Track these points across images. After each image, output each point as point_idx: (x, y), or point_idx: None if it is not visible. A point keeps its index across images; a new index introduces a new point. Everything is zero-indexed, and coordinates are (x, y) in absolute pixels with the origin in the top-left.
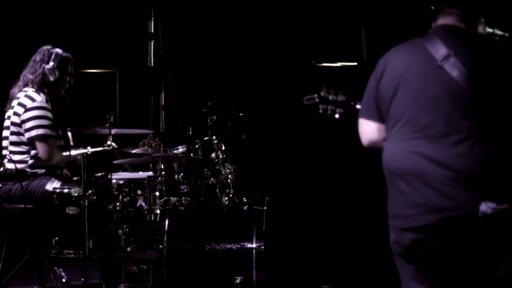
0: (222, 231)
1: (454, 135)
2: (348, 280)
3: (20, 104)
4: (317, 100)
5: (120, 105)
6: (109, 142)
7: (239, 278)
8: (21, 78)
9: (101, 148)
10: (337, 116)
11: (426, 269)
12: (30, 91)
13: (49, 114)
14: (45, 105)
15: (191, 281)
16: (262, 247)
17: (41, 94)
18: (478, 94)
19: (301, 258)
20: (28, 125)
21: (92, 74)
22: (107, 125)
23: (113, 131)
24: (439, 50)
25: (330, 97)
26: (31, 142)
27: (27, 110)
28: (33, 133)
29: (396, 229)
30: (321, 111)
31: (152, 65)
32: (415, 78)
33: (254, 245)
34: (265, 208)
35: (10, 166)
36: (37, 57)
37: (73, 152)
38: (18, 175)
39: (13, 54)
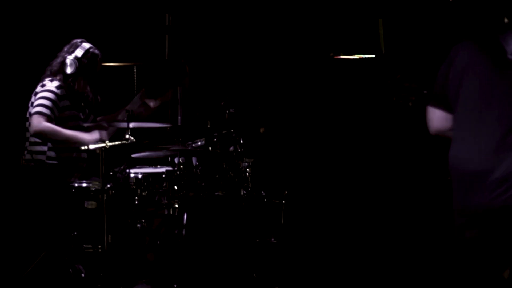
0: (240, 225)
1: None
2: (366, 276)
3: (34, 93)
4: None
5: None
6: (127, 136)
7: (257, 271)
8: (48, 67)
9: (119, 142)
10: (410, 104)
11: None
12: (46, 80)
13: (55, 98)
14: (54, 89)
15: (209, 275)
16: (280, 240)
17: (54, 81)
18: None
19: (319, 252)
20: (34, 103)
21: (109, 67)
22: (125, 119)
23: (131, 125)
24: (511, 44)
25: (406, 84)
26: (31, 117)
27: (36, 94)
28: (33, 109)
29: (458, 210)
30: (395, 98)
31: (169, 58)
32: (484, 71)
33: (272, 239)
34: (284, 201)
35: (28, 157)
36: (65, 47)
37: (81, 136)
38: (35, 169)
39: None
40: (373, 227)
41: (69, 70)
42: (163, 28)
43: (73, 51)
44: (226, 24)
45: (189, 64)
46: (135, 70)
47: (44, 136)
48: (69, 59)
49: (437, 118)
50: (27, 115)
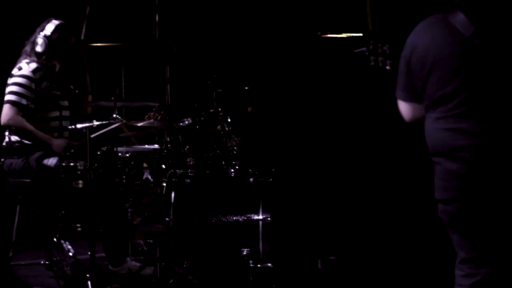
0: (228, 203)
1: (488, 110)
2: (355, 251)
3: (10, 75)
4: (366, 53)
5: (125, 78)
6: (114, 116)
7: (245, 250)
8: (22, 51)
9: (106, 122)
10: (388, 67)
11: (473, 238)
12: (23, 61)
13: (30, 84)
14: (29, 74)
15: (197, 254)
16: (269, 218)
17: (31, 64)
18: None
19: (307, 229)
20: (7, 90)
21: (97, 47)
22: (113, 98)
23: (118, 105)
24: (466, 26)
25: (379, 50)
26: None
27: (11, 77)
28: (6, 97)
29: (441, 199)
30: (372, 63)
31: (157, 37)
32: (445, 58)
33: (260, 217)
34: (271, 179)
35: (13, 138)
36: (37, 29)
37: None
38: (19, 150)
39: (18, 28)
40: (362, 201)
41: (39, 48)
42: (152, 8)
43: (42, 30)
44: (214, 4)
45: (177, 44)
46: (122, 51)
47: (12, 128)
48: (39, 37)
49: (408, 109)
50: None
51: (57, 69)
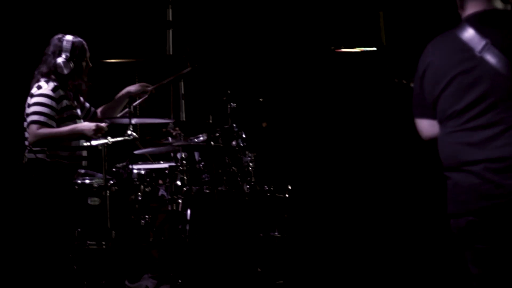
0: (244, 219)
1: (499, 125)
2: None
3: (30, 94)
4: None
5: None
6: (129, 132)
7: (261, 266)
8: (36, 72)
9: (121, 138)
10: (412, 85)
11: (485, 253)
12: (42, 81)
13: (51, 102)
14: (49, 93)
15: (214, 269)
16: (284, 235)
17: (50, 83)
18: None
19: (323, 245)
20: (29, 111)
21: (111, 64)
22: (127, 115)
23: (133, 121)
24: (476, 41)
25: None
26: (27, 127)
27: (32, 97)
28: (29, 118)
29: (452, 214)
30: (396, 80)
31: (171, 53)
32: (457, 75)
33: (276, 233)
34: (287, 195)
35: (30, 156)
36: (50, 49)
37: (79, 127)
38: (37, 167)
39: (30, 45)
40: (376, 221)
41: (65, 71)
42: (165, 23)
43: (60, 51)
44: (228, 18)
45: (191, 59)
46: (136, 66)
47: (42, 142)
48: (62, 61)
49: (424, 126)
50: (25, 115)
51: (83, 87)
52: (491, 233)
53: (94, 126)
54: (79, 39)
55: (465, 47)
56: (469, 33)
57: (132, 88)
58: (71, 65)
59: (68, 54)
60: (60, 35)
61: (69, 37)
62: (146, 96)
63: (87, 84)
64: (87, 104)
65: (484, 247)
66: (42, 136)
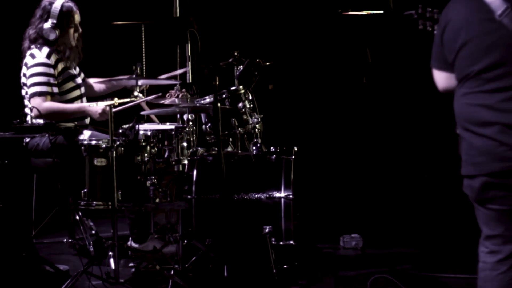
0: (250, 181)
1: None
2: (377, 228)
3: (25, 64)
4: (415, 16)
5: (146, 56)
6: (136, 93)
7: (267, 227)
8: (26, 35)
9: (128, 99)
10: (436, 32)
11: (498, 214)
12: (34, 48)
13: (48, 70)
14: (44, 60)
15: (219, 231)
16: (291, 196)
17: (43, 50)
18: None
19: (330, 207)
20: (28, 82)
21: (118, 26)
22: (134, 76)
23: (139, 82)
24: (497, 4)
25: (427, 14)
26: (29, 99)
27: (28, 68)
28: (30, 90)
29: (466, 175)
30: (421, 26)
31: (178, 15)
32: (476, 35)
33: (282, 195)
34: (293, 157)
35: (35, 121)
36: (38, 13)
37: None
38: (46, 127)
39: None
40: (381, 183)
41: (51, 37)
42: None
43: (47, 16)
44: None
45: (198, 21)
46: (143, 28)
47: (48, 116)
48: (47, 27)
49: (441, 78)
50: (22, 84)
51: (67, 54)
52: (504, 194)
53: (100, 110)
54: (70, 4)
55: (486, 9)
56: None
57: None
58: (57, 32)
59: (54, 21)
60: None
61: (58, 2)
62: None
63: (78, 49)
64: (78, 68)
65: (497, 208)
66: (48, 110)
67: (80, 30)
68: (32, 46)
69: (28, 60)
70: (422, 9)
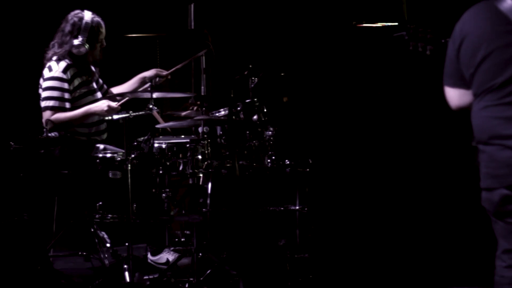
0: (265, 193)
1: None
2: (393, 241)
3: (42, 75)
4: (406, 37)
5: (161, 68)
6: (150, 106)
7: (282, 240)
8: (50, 47)
9: (143, 112)
10: (428, 52)
11: None
12: (52, 61)
13: (62, 85)
14: (60, 75)
15: (234, 244)
16: (306, 209)
17: (60, 63)
18: None
19: (345, 219)
20: (42, 95)
21: (133, 38)
22: (149, 89)
23: (154, 95)
24: None
25: (419, 35)
26: (42, 112)
27: (44, 80)
28: (42, 103)
29: (486, 187)
30: (411, 48)
31: (193, 28)
32: (497, 48)
33: (297, 207)
34: (308, 169)
35: (51, 134)
36: (66, 28)
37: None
38: (61, 140)
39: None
40: (396, 196)
41: (82, 52)
42: None
43: (78, 32)
44: None
45: (213, 33)
46: (157, 41)
47: (57, 127)
48: (78, 43)
49: (455, 96)
50: (39, 95)
51: (92, 60)
52: None
53: (105, 107)
54: (98, 19)
55: (505, 20)
56: (508, 5)
57: (147, 73)
58: (87, 46)
59: (85, 36)
60: (78, 13)
61: (88, 17)
62: (162, 81)
63: (98, 60)
64: (101, 81)
65: None
66: (56, 122)
67: (105, 44)
68: (52, 59)
69: (45, 72)
70: (413, 29)
